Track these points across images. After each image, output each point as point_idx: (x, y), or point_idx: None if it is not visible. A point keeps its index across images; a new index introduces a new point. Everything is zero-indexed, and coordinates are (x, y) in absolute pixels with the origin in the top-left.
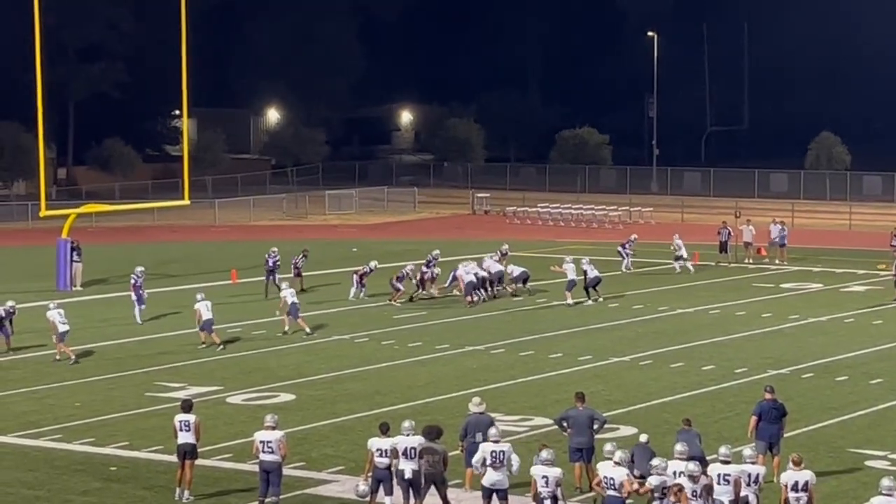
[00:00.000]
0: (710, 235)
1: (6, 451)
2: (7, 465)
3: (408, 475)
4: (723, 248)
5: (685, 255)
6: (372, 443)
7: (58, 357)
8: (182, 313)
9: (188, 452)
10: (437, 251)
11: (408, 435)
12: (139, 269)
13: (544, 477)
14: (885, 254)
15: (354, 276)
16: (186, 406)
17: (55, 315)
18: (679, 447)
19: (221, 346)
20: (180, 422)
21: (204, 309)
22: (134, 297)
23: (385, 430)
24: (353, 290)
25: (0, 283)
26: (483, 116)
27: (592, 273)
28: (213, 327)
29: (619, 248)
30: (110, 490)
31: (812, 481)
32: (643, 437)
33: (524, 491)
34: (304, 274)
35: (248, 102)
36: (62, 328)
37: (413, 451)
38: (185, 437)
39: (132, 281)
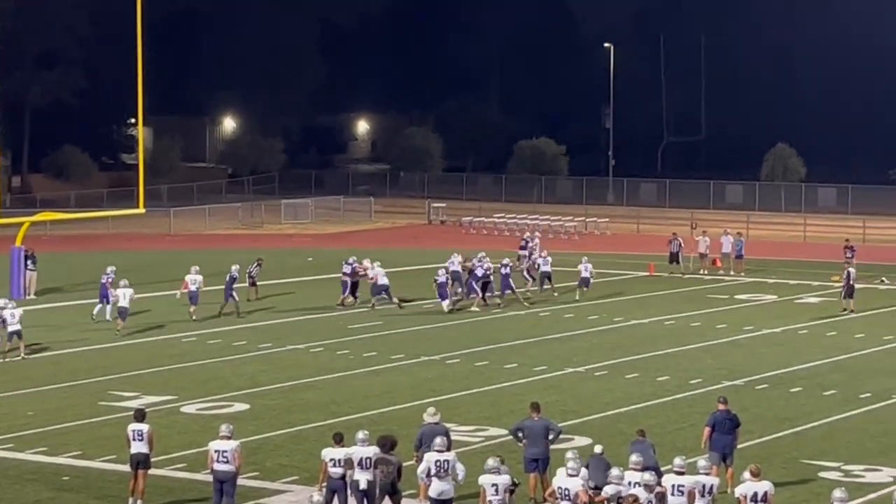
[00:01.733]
0: (664, 246)
1: None
2: None
3: (362, 486)
4: (673, 258)
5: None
6: (325, 453)
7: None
8: (136, 322)
9: (141, 462)
10: (353, 257)
11: (363, 445)
12: (110, 268)
13: (493, 485)
14: (840, 265)
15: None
16: (140, 415)
17: (7, 314)
18: (634, 458)
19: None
20: (133, 431)
21: (122, 297)
22: (101, 294)
23: (339, 440)
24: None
25: None
26: (441, 126)
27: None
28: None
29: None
30: (63, 500)
31: (771, 492)
32: (598, 448)
33: (474, 501)
34: (258, 283)
35: (205, 111)
36: (11, 328)
37: (368, 461)
38: (137, 447)
39: (102, 279)
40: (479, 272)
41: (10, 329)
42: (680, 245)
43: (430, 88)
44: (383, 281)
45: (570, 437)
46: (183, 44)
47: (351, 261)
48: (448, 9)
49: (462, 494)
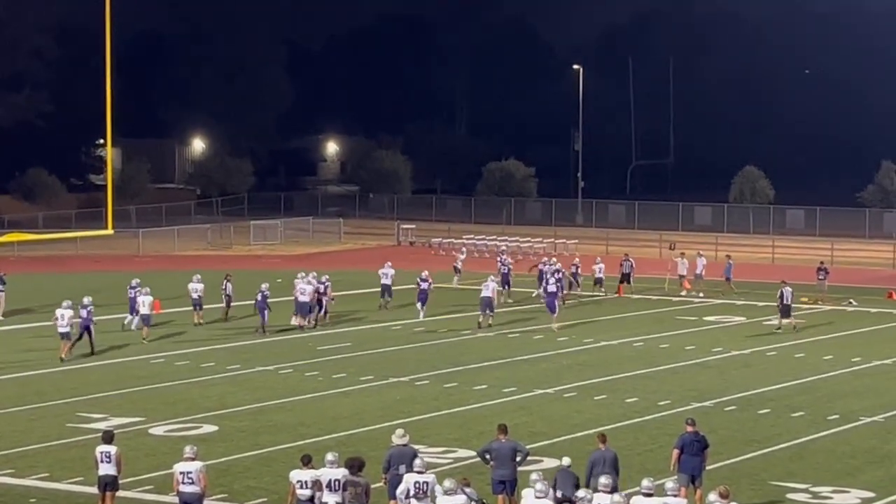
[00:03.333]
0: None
1: None
2: None
3: None
4: (624, 279)
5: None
6: (293, 475)
7: None
8: (104, 345)
9: (108, 484)
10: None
11: (331, 467)
12: (135, 280)
13: None
14: (809, 287)
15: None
16: (108, 437)
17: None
18: (603, 479)
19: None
20: (101, 453)
21: (142, 305)
22: (130, 307)
23: (307, 462)
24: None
25: None
26: (410, 148)
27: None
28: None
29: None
30: None
31: None
32: (566, 461)
33: None
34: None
35: (174, 132)
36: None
37: (337, 482)
38: (105, 469)
39: (130, 293)
40: (552, 288)
41: (60, 330)
42: (632, 266)
43: (398, 110)
44: (304, 299)
45: (539, 458)
46: (151, 66)
47: (325, 279)
48: (416, 31)
49: None
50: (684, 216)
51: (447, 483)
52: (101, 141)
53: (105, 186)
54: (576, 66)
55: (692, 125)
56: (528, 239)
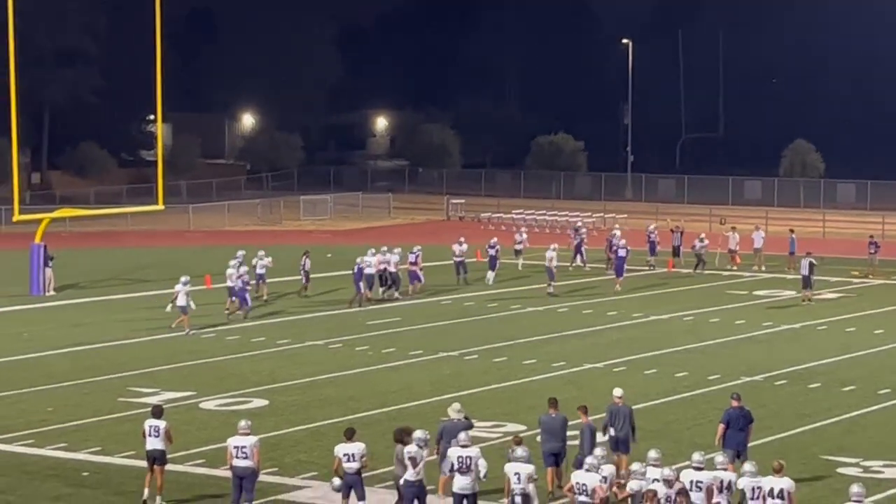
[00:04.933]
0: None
1: None
2: None
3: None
4: (675, 252)
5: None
6: (338, 449)
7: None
8: (157, 318)
9: (157, 458)
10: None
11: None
12: (240, 252)
13: (516, 474)
14: (859, 261)
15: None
16: (157, 412)
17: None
18: (652, 453)
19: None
20: (150, 427)
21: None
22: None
23: (350, 436)
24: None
25: None
26: (459, 123)
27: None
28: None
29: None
30: (82, 495)
31: (791, 489)
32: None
33: (497, 496)
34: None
35: (224, 107)
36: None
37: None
38: (153, 443)
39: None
40: (622, 252)
41: (179, 303)
42: (681, 238)
43: (447, 85)
44: (370, 271)
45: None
46: (201, 41)
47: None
48: (465, 4)
49: (482, 490)
50: (734, 190)
51: (519, 451)
52: (152, 116)
53: (156, 162)
54: (625, 41)
55: (742, 99)
56: (578, 213)
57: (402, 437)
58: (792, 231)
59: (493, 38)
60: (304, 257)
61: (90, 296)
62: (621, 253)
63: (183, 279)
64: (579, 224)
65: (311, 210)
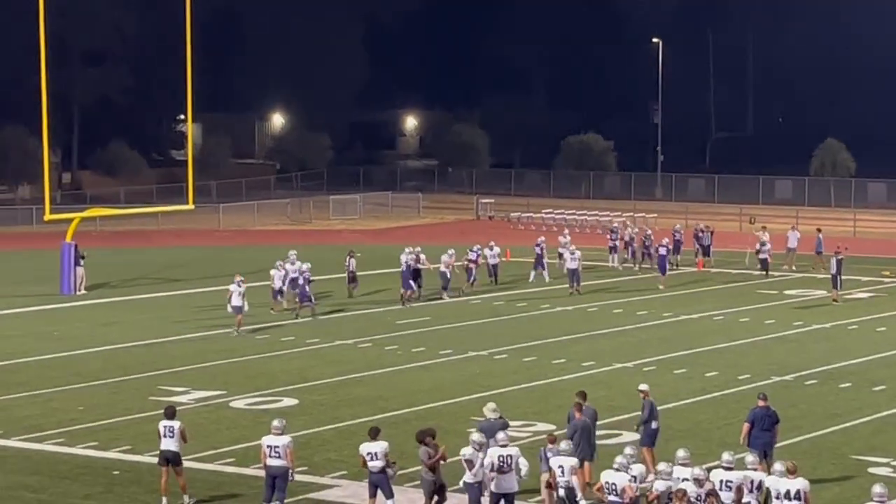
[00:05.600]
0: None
1: (9, 455)
2: (10, 468)
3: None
4: (705, 251)
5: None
6: (363, 447)
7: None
8: (187, 319)
9: (170, 459)
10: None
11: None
12: (292, 252)
13: (560, 466)
14: (890, 260)
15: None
16: (170, 412)
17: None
18: (681, 453)
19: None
20: (164, 427)
21: (235, 294)
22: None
23: (374, 435)
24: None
25: (4, 287)
26: (488, 122)
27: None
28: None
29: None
30: (113, 494)
31: (805, 489)
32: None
33: (533, 496)
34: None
35: (253, 107)
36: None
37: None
38: (167, 444)
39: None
40: (663, 251)
41: (233, 304)
42: (710, 237)
43: (476, 84)
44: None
45: (618, 432)
46: (231, 41)
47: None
48: (494, 4)
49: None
50: (764, 190)
51: (563, 444)
52: (182, 116)
53: (186, 161)
54: (655, 40)
55: (772, 97)
56: (608, 213)
57: (424, 438)
58: (819, 230)
59: (522, 38)
60: (349, 257)
61: (120, 295)
62: (662, 251)
63: (237, 279)
64: (616, 225)
65: (340, 209)
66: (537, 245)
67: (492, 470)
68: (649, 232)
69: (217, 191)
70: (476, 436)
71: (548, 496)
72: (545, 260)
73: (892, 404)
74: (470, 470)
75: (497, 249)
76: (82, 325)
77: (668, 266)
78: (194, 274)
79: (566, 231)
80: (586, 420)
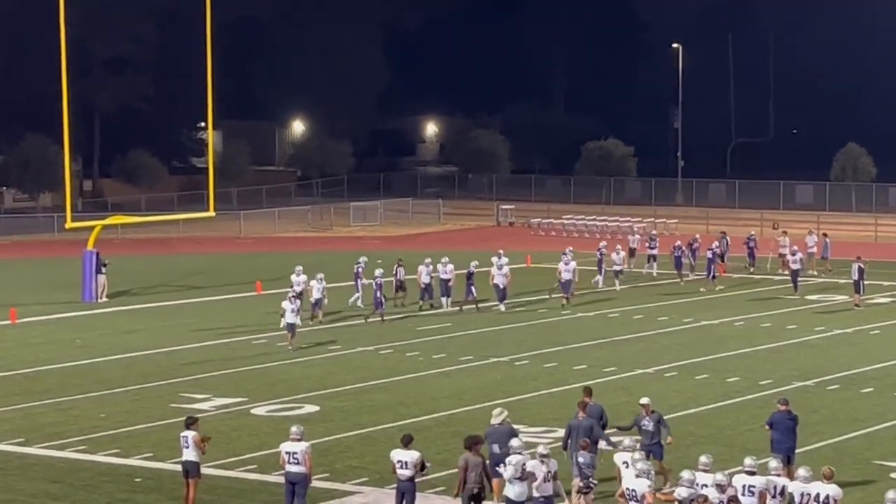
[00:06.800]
0: (737, 247)
1: (31, 463)
2: (32, 476)
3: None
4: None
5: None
6: (394, 454)
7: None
8: (208, 326)
9: (189, 470)
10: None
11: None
12: (362, 258)
13: (624, 462)
14: None
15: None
16: (189, 422)
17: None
18: (703, 459)
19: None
20: (183, 438)
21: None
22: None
23: (407, 443)
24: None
25: (26, 295)
26: (508, 128)
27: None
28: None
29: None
30: (135, 501)
31: (837, 496)
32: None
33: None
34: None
35: (274, 114)
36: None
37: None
38: (186, 455)
39: (355, 269)
40: (709, 254)
41: (288, 320)
42: (727, 244)
43: (496, 90)
44: (425, 280)
45: (638, 437)
46: (251, 49)
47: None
48: (513, 9)
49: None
50: (785, 195)
51: (626, 441)
52: (202, 123)
53: (206, 169)
54: (675, 45)
55: (792, 103)
56: (628, 218)
57: (472, 445)
58: (825, 235)
59: (542, 43)
60: (398, 266)
61: (142, 302)
62: (709, 255)
63: (318, 275)
64: (654, 233)
65: (361, 216)
66: (598, 251)
67: (513, 478)
68: (697, 236)
69: (238, 198)
70: (541, 448)
71: (577, 501)
72: (604, 266)
73: None
74: (532, 483)
75: (572, 264)
76: (104, 333)
77: (713, 270)
78: (215, 281)
79: (619, 247)
80: (588, 420)
